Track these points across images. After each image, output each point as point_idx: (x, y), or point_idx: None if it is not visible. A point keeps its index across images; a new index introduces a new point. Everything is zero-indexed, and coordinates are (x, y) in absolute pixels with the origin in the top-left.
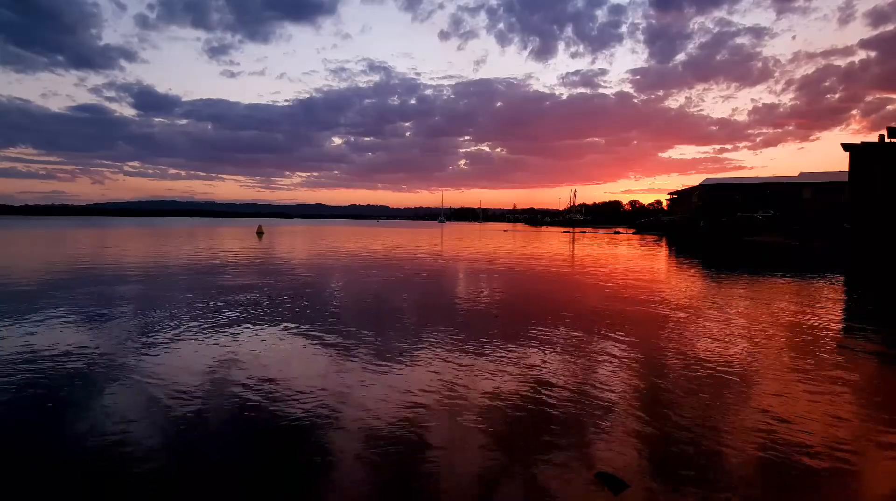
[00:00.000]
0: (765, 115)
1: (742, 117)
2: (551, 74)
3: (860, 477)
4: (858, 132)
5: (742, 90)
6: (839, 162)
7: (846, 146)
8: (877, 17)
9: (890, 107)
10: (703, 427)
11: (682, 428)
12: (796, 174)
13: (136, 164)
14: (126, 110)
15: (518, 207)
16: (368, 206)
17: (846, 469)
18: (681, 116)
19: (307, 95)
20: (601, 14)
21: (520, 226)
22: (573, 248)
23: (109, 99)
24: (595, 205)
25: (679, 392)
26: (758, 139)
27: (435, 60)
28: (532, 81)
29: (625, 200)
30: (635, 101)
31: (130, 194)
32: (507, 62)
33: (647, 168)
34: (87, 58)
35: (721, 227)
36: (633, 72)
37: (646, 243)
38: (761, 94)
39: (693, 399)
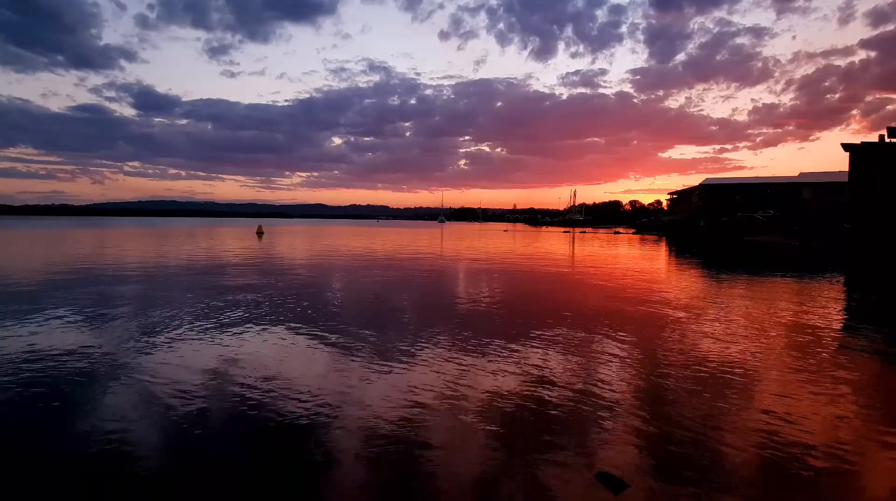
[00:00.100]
0: (765, 115)
1: (742, 117)
2: (551, 74)
3: (861, 478)
4: (858, 132)
5: (742, 90)
6: (839, 162)
7: (846, 146)
8: (877, 17)
9: (890, 107)
10: (704, 427)
11: (682, 428)
12: (796, 174)
13: (136, 164)
14: (126, 110)
15: (518, 207)
16: (368, 206)
17: (847, 469)
18: (681, 116)
19: (307, 95)
20: (601, 14)
21: (520, 226)
22: (573, 248)
23: (109, 99)
24: (595, 205)
25: (679, 392)
26: (758, 139)
27: (435, 60)
28: (532, 81)
29: (625, 200)
30: (635, 101)
31: (130, 193)
32: (507, 62)
33: (647, 168)
34: (87, 58)
35: (721, 227)
36: (633, 72)
37: (646, 243)
38: (761, 94)
39: (693, 399)
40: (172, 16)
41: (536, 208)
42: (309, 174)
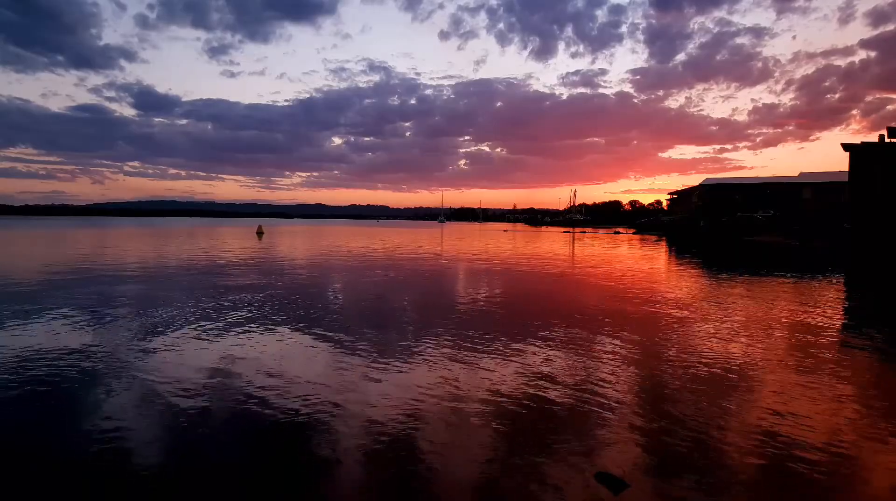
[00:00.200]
0: (765, 115)
1: (742, 117)
2: (551, 74)
3: (861, 477)
4: (858, 132)
5: (742, 90)
6: (839, 162)
7: (846, 146)
8: (877, 17)
9: (890, 107)
10: (704, 427)
11: (682, 428)
12: (796, 174)
13: (136, 164)
14: (126, 110)
15: (518, 207)
16: (368, 206)
17: (847, 469)
18: (681, 116)
19: (307, 95)
20: (601, 14)
21: (520, 226)
22: (573, 248)
23: (109, 99)
24: (595, 205)
25: (679, 392)
26: (758, 139)
27: (435, 60)
28: (532, 81)
29: (625, 200)
30: (635, 101)
31: (130, 193)
32: (507, 62)
33: (647, 168)
34: (87, 58)
35: (721, 227)
36: (633, 72)
37: (646, 243)
38: (761, 94)
39: (693, 399)
40: (172, 16)
41: (536, 208)
42: (309, 174)
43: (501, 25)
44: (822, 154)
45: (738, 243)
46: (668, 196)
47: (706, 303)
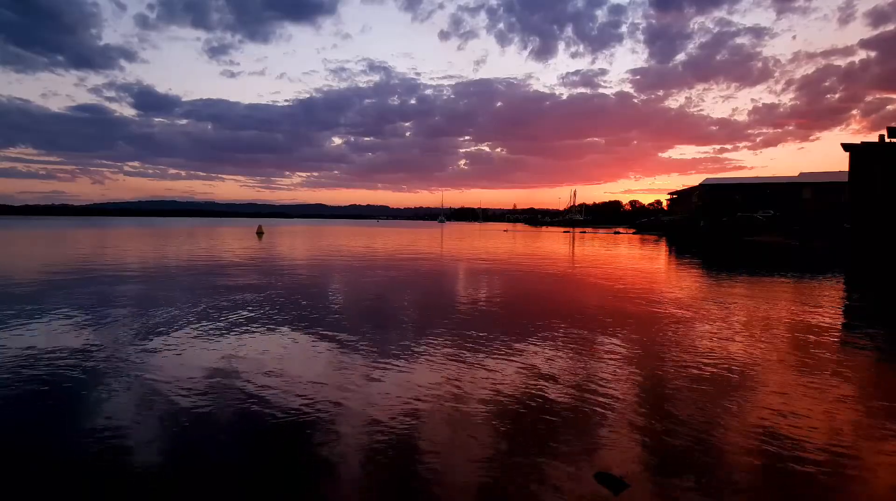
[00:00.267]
0: (765, 115)
1: (742, 117)
2: (551, 74)
3: (861, 477)
4: (858, 132)
5: (742, 90)
6: (839, 162)
7: (846, 146)
8: (877, 17)
9: (890, 107)
10: (704, 427)
11: (682, 428)
12: (796, 174)
13: (136, 164)
14: (126, 110)
15: (518, 207)
16: (368, 206)
17: (847, 469)
18: (681, 116)
19: (307, 95)
20: (601, 14)
21: (520, 226)
22: (573, 248)
23: (109, 99)
24: (595, 205)
25: (679, 392)
26: (758, 139)
27: (435, 60)
28: (532, 81)
29: (625, 200)
30: (635, 101)
31: (130, 193)
32: (507, 62)
33: (647, 168)
34: (87, 58)
35: (721, 227)
36: (633, 72)
37: (646, 243)
38: (761, 94)
39: (694, 399)
40: (172, 16)
41: (536, 208)
42: (309, 174)
43: (501, 25)
44: (822, 154)
45: (738, 243)
46: (668, 196)
47: (706, 303)
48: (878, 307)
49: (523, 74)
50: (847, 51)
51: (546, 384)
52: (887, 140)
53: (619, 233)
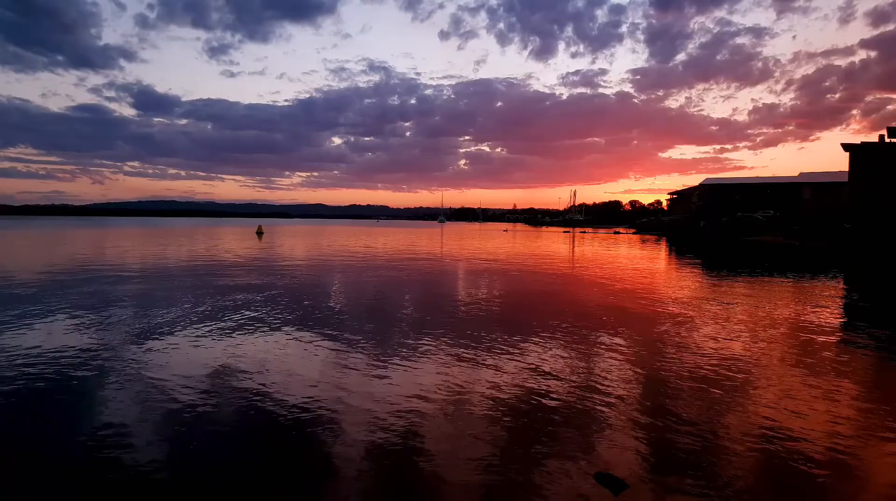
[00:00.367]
0: (765, 115)
1: (742, 117)
2: (551, 74)
3: (861, 477)
4: (858, 132)
5: (742, 90)
6: (839, 162)
7: (846, 146)
8: (877, 17)
9: (890, 107)
10: (704, 427)
11: (682, 428)
12: (796, 174)
13: (135, 164)
14: (126, 110)
15: (518, 207)
16: (368, 206)
17: (847, 468)
18: (681, 116)
19: (307, 95)
20: (601, 14)
21: (520, 226)
22: (573, 248)
23: (109, 99)
24: (595, 205)
25: (679, 392)
26: (758, 139)
27: (435, 60)
28: (532, 81)
29: (625, 200)
30: (635, 101)
31: (130, 194)
32: (507, 62)
33: (647, 168)
34: (87, 58)
35: (721, 227)
36: (634, 72)
37: (646, 243)
38: (761, 94)
39: (693, 399)
40: (172, 15)
41: (536, 208)
42: (309, 174)
43: (501, 25)
44: (822, 154)
45: (738, 243)
46: (668, 196)
47: (706, 302)
48: (879, 307)
49: (523, 73)
50: (847, 51)
51: (547, 383)
52: (887, 140)
53: (619, 233)
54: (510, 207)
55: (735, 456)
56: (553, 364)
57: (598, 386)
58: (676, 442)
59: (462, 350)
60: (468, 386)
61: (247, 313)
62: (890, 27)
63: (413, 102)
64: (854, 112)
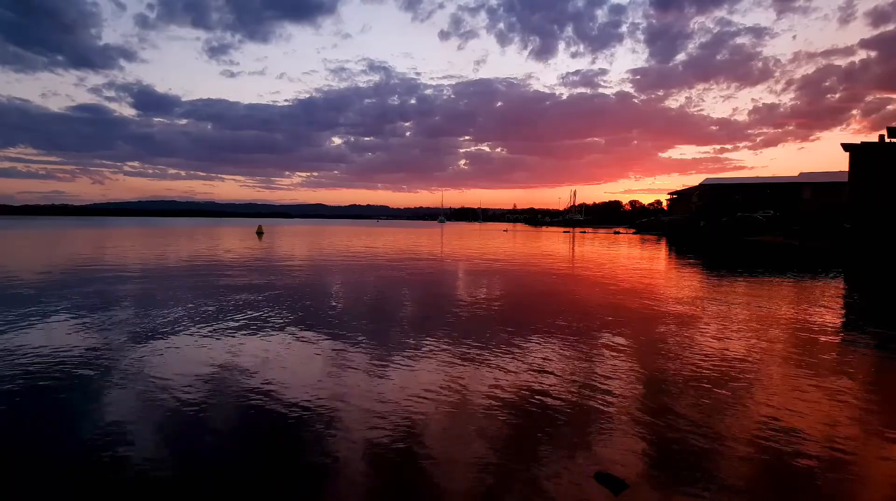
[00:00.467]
0: (765, 115)
1: (742, 117)
2: (551, 74)
3: (861, 477)
4: (858, 132)
5: (742, 90)
6: (839, 162)
7: (846, 146)
8: (877, 17)
9: (890, 107)
10: (704, 427)
11: (682, 428)
12: (796, 174)
13: (135, 164)
14: (126, 110)
15: (518, 207)
16: (368, 206)
17: (846, 468)
18: (681, 116)
19: (307, 95)
20: (601, 14)
21: (520, 226)
22: (574, 248)
23: (109, 99)
24: (595, 205)
25: (680, 392)
26: (758, 139)
27: (435, 60)
28: (532, 81)
29: (625, 200)
30: (635, 101)
31: (130, 194)
32: (507, 62)
33: (647, 168)
34: (87, 58)
35: (721, 227)
36: (634, 72)
37: (646, 243)
38: (761, 94)
39: (693, 399)
40: (172, 15)
41: (536, 208)
42: (309, 174)
43: (501, 25)
44: (822, 154)
45: (739, 243)
46: (668, 196)
47: (706, 304)
48: (879, 307)
49: (523, 73)
50: (847, 51)
51: (547, 382)
52: (887, 140)
53: (619, 233)
54: (510, 207)
55: (735, 456)
56: (553, 364)
57: (598, 386)
58: (676, 442)
59: (462, 350)
60: (469, 386)
61: (247, 312)
62: (890, 27)
63: (413, 102)
64: (854, 112)
